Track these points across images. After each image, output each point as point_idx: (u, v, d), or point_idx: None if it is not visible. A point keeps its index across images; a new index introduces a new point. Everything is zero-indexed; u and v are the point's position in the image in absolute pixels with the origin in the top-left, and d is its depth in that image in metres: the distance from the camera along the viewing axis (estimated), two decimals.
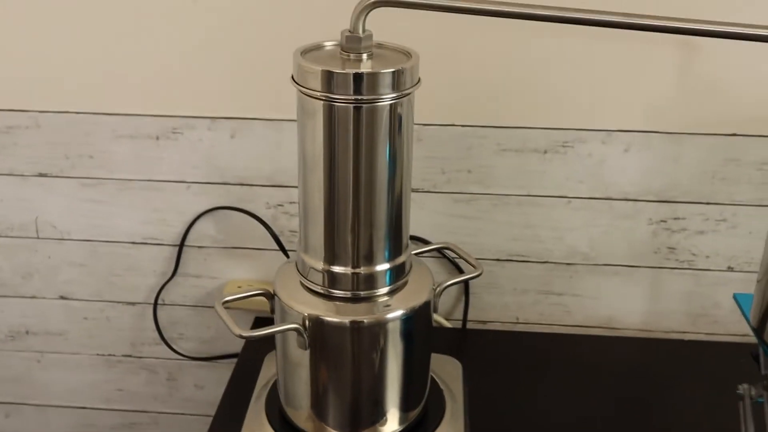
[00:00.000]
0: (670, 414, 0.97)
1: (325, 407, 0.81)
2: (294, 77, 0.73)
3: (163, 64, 1.02)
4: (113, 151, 1.07)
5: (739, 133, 1.00)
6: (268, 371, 0.94)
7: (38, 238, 1.14)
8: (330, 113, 0.71)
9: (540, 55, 0.98)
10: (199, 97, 1.04)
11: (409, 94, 0.73)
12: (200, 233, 1.12)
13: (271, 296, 0.81)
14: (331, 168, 0.73)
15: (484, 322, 1.14)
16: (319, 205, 0.75)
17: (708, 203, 1.05)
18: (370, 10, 0.71)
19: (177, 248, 1.12)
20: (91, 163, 1.08)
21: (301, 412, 0.83)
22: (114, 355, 1.22)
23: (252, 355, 1.01)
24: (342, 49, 0.73)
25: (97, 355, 1.22)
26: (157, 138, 1.06)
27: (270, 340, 0.82)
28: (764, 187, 1.03)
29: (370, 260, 0.77)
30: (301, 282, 0.79)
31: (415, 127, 1.01)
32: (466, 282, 1.10)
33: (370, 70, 0.70)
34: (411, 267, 0.81)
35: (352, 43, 0.72)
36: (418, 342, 0.81)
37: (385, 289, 0.78)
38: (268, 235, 1.09)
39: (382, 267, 0.77)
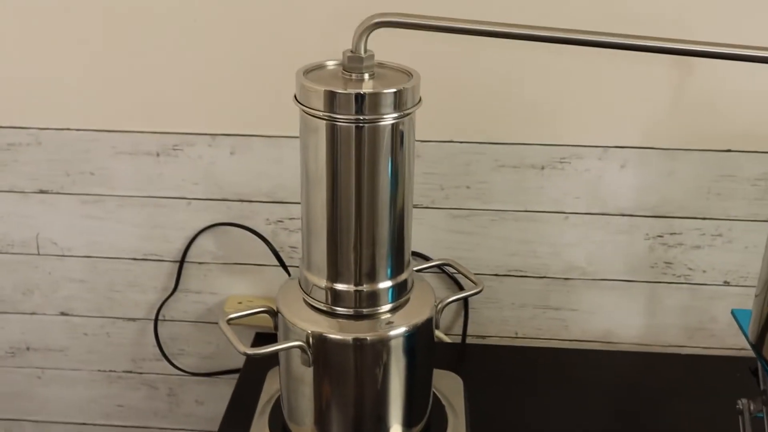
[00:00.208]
0: (668, 428, 0.97)
1: (328, 423, 0.82)
2: (297, 97, 0.74)
3: (164, 81, 1.02)
4: (114, 168, 1.08)
5: (733, 149, 1.02)
6: (270, 387, 0.95)
7: (39, 254, 1.14)
8: (332, 132, 0.72)
9: (538, 72, 0.99)
10: (199, 114, 1.04)
11: (410, 113, 0.74)
12: (201, 249, 1.12)
13: (274, 313, 0.82)
14: (334, 187, 0.74)
15: (484, 337, 1.15)
16: (321, 223, 0.76)
17: (704, 218, 1.06)
18: (372, 31, 0.72)
19: (177, 264, 1.13)
20: (92, 180, 1.09)
21: (304, 429, 0.84)
22: (114, 371, 1.22)
23: (254, 371, 1.02)
24: (344, 69, 0.74)
25: (98, 371, 1.22)
26: (158, 155, 1.07)
27: (272, 356, 0.83)
28: (759, 202, 1.04)
29: (373, 278, 0.78)
30: (304, 299, 0.80)
31: (414, 143, 1.02)
32: (471, 296, 1.11)
33: (371, 90, 0.71)
34: (413, 284, 0.82)
35: (354, 63, 0.73)
36: (421, 358, 0.82)
37: (387, 307, 0.79)
38: (268, 250, 1.10)
39: (385, 284, 0.78)
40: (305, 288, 0.80)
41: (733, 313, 0.83)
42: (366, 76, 0.73)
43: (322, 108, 0.71)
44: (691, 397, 1.02)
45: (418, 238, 1.08)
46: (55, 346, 1.21)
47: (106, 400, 1.25)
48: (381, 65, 0.77)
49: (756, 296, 0.76)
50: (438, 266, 1.01)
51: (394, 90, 0.71)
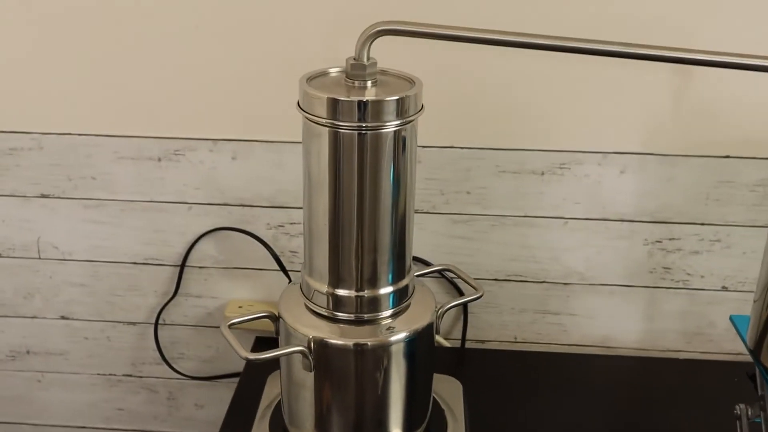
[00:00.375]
0: None
1: (329, 428, 0.82)
2: (300, 103, 0.75)
3: (165, 86, 1.03)
4: (115, 173, 1.09)
5: (732, 155, 1.02)
6: (271, 391, 0.95)
7: (40, 258, 1.15)
8: (335, 139, 0.73)
9: (538, 78, 1.00)
10: (200, 119, 1.05)
11: (412, 120, 0.74)
12: (201, 253, 1.13)
13: (275, 318, 0.82)
14: (336, 193, 0.74)
15: (483, 342, 1.16)
16: (323, 229, 0.76)
17: (702, 224, 1.07)
18: (375, 39, 0.72)
19: (178, 268, 1.13)
20: (93, 185, 1.09)
21: None
22: (114, 375, 1.23)
23: (254, 375, 1.02)
24: (347, 77, 0.74)
25: (98, 374, 1.23)
26: (159, 159, 1.07)
27: (272, 360, 0.83)
28: (757, 208, 1.05)
29: (374, 283, 0.78)
30: (305, 304, 0.81)
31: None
32: (471, 301, 1.11)
33: (374, 97, 0.72)
34: (414, 289, 0.83)
35: (357, 70, 0.73)
36: (421, 363, 0.83)
37: (388, 312, 0.80)
38: (269, 255, 1.10)
39: (386, 290, 0.79)
40: (307, 293, 0.81)
41: (731, 318, 0.83)
42: (369, 83, 0.74)
43: (325, 115, 0.72)
44: (690, 402, 1.03)
45: (418, 243, 1.08)
46: (56, 350, 1.21)
47: (106, 403, 1.25)
48: (384, 72, 0.77)
49: (754, 302, 0.76)
50: (438, 271, 1.01)
51: (397, 98, 0.72)
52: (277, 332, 0.82)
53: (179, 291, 1.15)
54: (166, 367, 1.19)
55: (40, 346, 1.21)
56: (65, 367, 1.22)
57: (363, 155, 0.73)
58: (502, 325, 1.14)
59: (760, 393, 0.78)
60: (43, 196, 1.10)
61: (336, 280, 0.78)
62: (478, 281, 0.97)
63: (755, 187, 1.04)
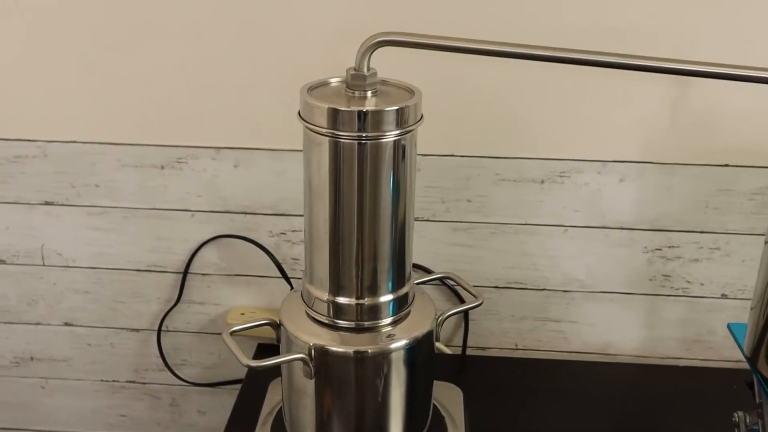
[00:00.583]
0: None
1: None
2: (300, 113, 0.75)
3: (169, 95, 1.04)
4: (119, 180, 1.09)
5: (731, 163, 1.03)
6: (272, 398, 0.96)
7: (44, 265, 1.15)
8: (335, 149, 0.74)
9: (537, 87, 1.01)
10: (203, 127, 1.06)
11: (412, 130, 0.75)
12: (204, 261, 1.13)
13: (277, 326, 0.83)
14: (336, 202, 0.75)
15: (484, 349, 1.16)
16: (324, 238, 0.77)
17: (702, 232, 1.07)
18: (375, 50, 0.73)
19: (181, 276, 1.14)
20: (97, 192, 1.10)
21: None
22: (118, 381, 1.23)
23: (256, 382, 1.03)
24: (347, 87, 0.75)
25: (101, 381, 1.24)
26: (162, 167, 1.08)
27: (274, 367, 0.84)
28: (756, 216, 1.05)
29: (374, 291, 0.79)
30: (306, 312, 0.81)
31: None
32: (470, 309, 1.12)
33: (374, 107, 0.73)
34: (414, 297, 0.83)
35: (357, 80, 0.74)
36: (421, 370, 0.83)
37: (388, 320, 0.80)
38: (271, 262, 1.11)
39: (386, 298, 0.79)
40: (307, 301, 0.81)
41: (729, 326, 0.84)
42: (369, 93, 0.75)
43: (325, 125, 0.73)
44: (689, 409, 1.03)
45: (419, 251, 1.09)
46: (59, 357, 1.22)
47: (110, 410, 1.26)
48: (384, 82, 0.78)
49: (751, 309, 0.77)
50: (438, 279, 1.02)
51: (396, 108, 0.73)
52: (278, 339, 0.83)
53: (182, 298, 1.15)
54: (169, 373, 1.20)
55: (43, 353, 1.22)
56: (69, 374, 1.23)
57: (363, 164, 0.74)
58: (503, 332, 1.15)
59: (758, 400, 0.79)
60: (47, 203, 1.11)
61: (336, 288, 0.79)
62: (478, 289, 0.98)
63: (754, 196, 1.04)
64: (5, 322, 1.20)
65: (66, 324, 1.19)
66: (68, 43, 1.02)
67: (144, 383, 1.23)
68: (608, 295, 1.11)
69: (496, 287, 1.12)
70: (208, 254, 1.13)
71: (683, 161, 1.04)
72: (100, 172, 1.09)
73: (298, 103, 0.76)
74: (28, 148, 1.08)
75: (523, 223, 1.08)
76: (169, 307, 1.16)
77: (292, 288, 1.10)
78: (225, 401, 1.19)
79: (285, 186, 1.08)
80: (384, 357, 0.79)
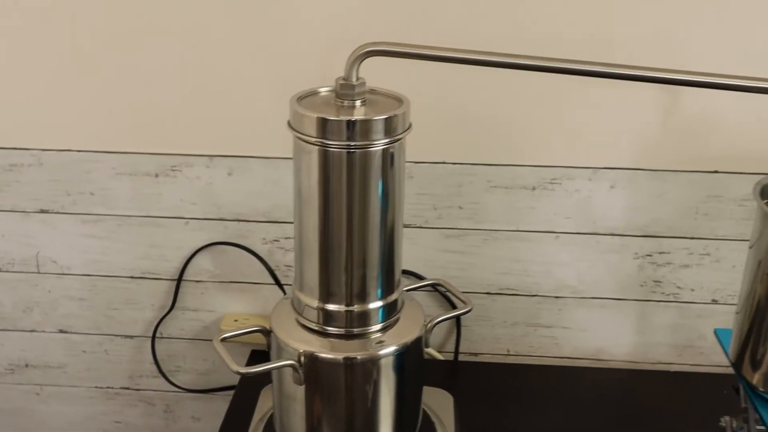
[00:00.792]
0: None
1: None
2: (290, 122, 0.76)
3: (163, 103, 1.05)
4: (113, 188, 1.10)
5: (720, 170, 1.04)
6: (264, 405, 0.96)
7: (39, 273, 1.16)
8: (324, 157, 0.74)
9: (528, 95, 1.02)
10: (197, 135, 1.07)
11: (400, 139, 0.76)
12: (198, 268, 1.14)
13: (267, 333, 0.83)
14: (326, 210, 0.76)
15: (476, 354, 1.17)
16: (313, 245, 0.78)
17: (692, 238, 1.08)
18: (363, 59, 0.74)
19: (175, 282, 1.15)
20: (92, 200, 1.11)
21: None
22: (112, 388, 1.24)
23: (248, 389, 1.03)
24: (336, 96, 0.76)
25: (96, 387, 1.24)
26: (156, 175, 1.09)
27: (266, 374, 0.85)
28: (746, 222, 1.06)
29: (364, 298, 0.80)
30: (296, 319, 0.82)
31: (408, 164, 1.03)
32: (460, 315, 1.13)
33: (363, 117, 0.73)
34: (403, 304, 0.84)
35: (346, 90, 0.75)
36: (410, 376, 0.84)
37: (378, 326, 0.81)
38: (265, 269, 1.12)
39: (375, 305, 0.80)
40: (297, 308, 0.82)
41: (716, 332, 0.85)
42: (358, 102, 0.75)
43: (314, 134, 0.74)
44: (680, 414, 1.04)
45: (411, 258, 1.10)
46: (54, 363, 1.22)
47: (104, 416, 1.26)
48: (373, 91, 0.79)
49: (736, 314, 0.78)
50: (430, 286, 1.03)
51: (385, 117, 0.74)
52: (269, 346, 0.84)
53: (176, 305, 1.16)
54: (163, 380, 1.21)
55: (38, 360, 1.22)
56: (63, 380, 1.24)
57: (352, 173, 0.74)
58: (495, 338, 1.16)
59: (743, 405, 0.80)
60: (43, 211, 1.12)
61: (326, 295, 0.79)
62: (468, 295, 0.98)
63: (743, 202, 1.05)
64: (0, 329, 1.21)
65: (61, 331, 1.20)
66: (63, 51, 1.03)
67: (138, 390, 1.24)
68: (600, 301, 1.12)
69: (488, 293, 1.13)
70: (202, 261, 1.14)
71: (673, 168, 1.04)
72: (95, 180, 1.10)
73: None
74: (23, 156, 1.09)
75: (515, 229, 1.09)
76: (163, 314, 1.17)
77: (285, 294, 1.11)
78: (219, 407, 1.19)
79: (278, 193, 1.09)
80: (373, 363, 0.80)
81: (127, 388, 1.24)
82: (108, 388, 1.24)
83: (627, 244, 1.09)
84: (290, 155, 0.79)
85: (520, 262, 1.10)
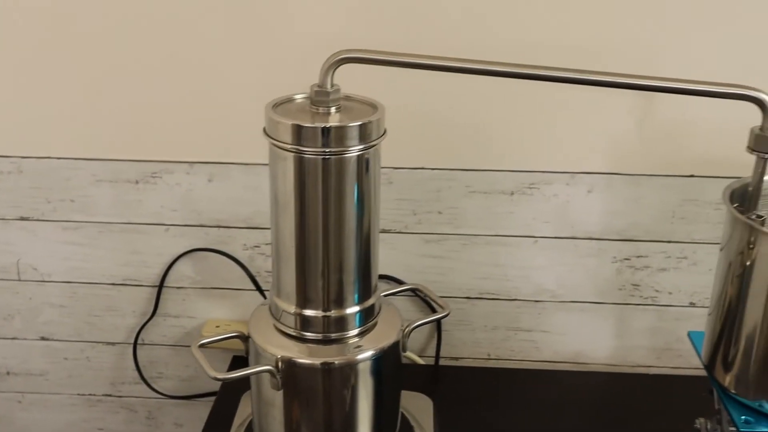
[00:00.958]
0: None
1: None
2: (266, 129, 0.77)
3: (143, 110, 1.05)
4: (93, 195, 1.10)
5: (696, 174, 1.05)
6: (244, 411, 0.97)
7: (20, 280, 1.16)
8: (300, 164, 0.75)
9: (506, 101, 1.02)
10: (177, 142, 1.07)
11: (375, 145, 0.76)
12: (179, 274, 1.14)
13: (245, 338, 0.84)
14: (302, 216, 0.77)
15: (457, 359, 1.17)
16: (290, 251, 0.78)
17: (669, 242, 1.09)
18: (337, 67, 0.75)
19: (156, 289, 1.15)
20: (72, 207, 1.11)
21: None
22: (94, 395, 1.24)
23: (229, 395, 1.04)
24: (311, 103, 0.77)
25: (78, 394, 1.24)
26: (137, 182, 1.09)
27: (247, 379, 0.85)
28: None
29: (341, 303, 0.80)
30: (274, 325, 0.82)
31: (387, 170, 1.05)
32: (437, 320, 1.13)
33: (337, 123, 0.74)
34: (380, 308, 0.85)
35: (321, 97, 0.76)
36: (388, 381, 0.84)
37: (355, 331, 0.81)
38: (245, 275, 1.12)
39: (352, 310, 0.81)
40: (275, 314, 0.82)
41: (689, 335, 0.85)
42: (332, 109, 0.76)
43: (289, 141, 0.74)
44: (658, 416, 1.05)
45: (391, 263, 1.10)
46: (36, 371, 1.22)
47: (86, 423, 1.26)
48: (348, 98, 0.80)
49: (708, 316, 0.78)
50: (408, 291, 1.03)
51: (359, 123, 0.74)
52: (247, 352, 0.84)
53: (157, 311, 1.16)
54: (145, 386, 1.21)
55: (20, 367, 1.22)
56: (45, 388, 1.24)
57: (327, 179, 0.75)
58: (475, 342, 1.16)
59: (716, 407, 0.80)
60: (23, 218, 1.12)
61: (303, 301, 0.80)
62: (448, 299, 0.99)
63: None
64: None
65: (42, 338, 1.20)
66: (42, 60, 1.03)
67: (120, 396, 1.24)
68: (579, 305, 1.13)
69: (468, 298, 1.13)
70: (183, 268, 1.14)
71: (650, 172, 1.05)
72: (75, 187, 1.10)
73: None
74: (3, 164, 1.09)
75: (494, 234, 1.10)
76: (144, 321, 1.17)
77: (265, 300, 1.11)
78: (201, 413, 1.19)
79: (259, 200, 1.09)
80: (351, 368, 0.80)
81: (109, 395, 1.24)
82: (90, 395, 1.24)
83: (605, 248, 1.10)
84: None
85: (500, 266, 1.11)
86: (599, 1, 0.97)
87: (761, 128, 0.72)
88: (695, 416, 0.89)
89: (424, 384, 1.10)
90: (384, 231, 1.09)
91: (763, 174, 0.74)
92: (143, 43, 1.02)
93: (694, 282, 1.11)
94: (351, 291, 0.80)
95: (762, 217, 0.76)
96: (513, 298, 1.13)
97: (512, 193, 1.07)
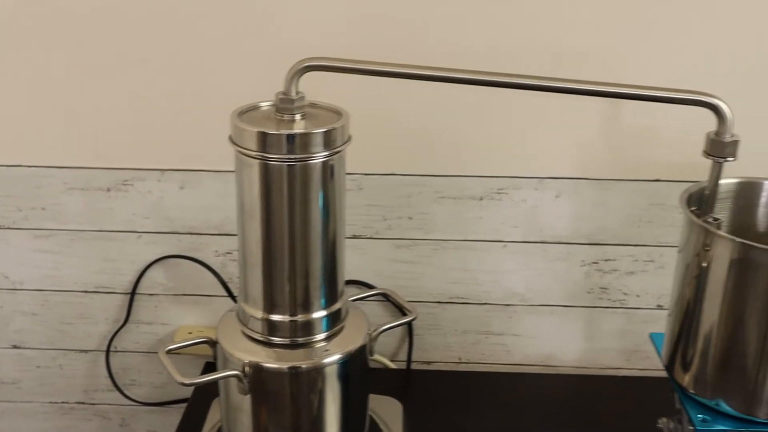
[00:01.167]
0: None
1: None
2: (231, 137, 0.78)
3: (113, 118, 1.06)
4: (65, 203, 1.11)
5: (662, 178, 1.07)
6: (214, 416, 0.97)
7: None
8: (265, 171, 0.76)
9: (475, 107, 1.04)
10: (148, 150, 1.07)
11: (340, 151, 0.77)
12: (151, 281, 1.15)
13: (213, 344, 0.84)
14: (268, 222, 0.77)
15: (429, 363, 1.18)
16: (257, 257, 0.79)
17: (636, 245, 1.10)
18: (302, 74, 0.76)
19: (129, 296, 1.15)
20: (44, 215, 1.11)
21: None
22: (67, 403, 1.24)
23: (201, 401, 1.04)
24: (277, 110, 0.78)
25: (50, 402, 1.24)
26: (108, 190, 1.10)
27: (213, 384, 0.85)
28: None
29: (308, 308, 0.81)
30: (242, 330, 0.83)
31: (357, 176, 1.06)
32: (409, 324, 1.14)
33: (302, 130, 0.75)
34: (347, 313, 0.85)
35: (286, 104, 0.77)
36: (355, 384, 0.85)
37: (322, 335, 0.82)
38: (218, 282, 1.13)
39: (319, 314, 0.82)
40: (243, 319, 0.83)
41: (650, 336, 0.87)
42: (297, 116, 0.77)
43: (255, 148, 0.75)
44: (628, 417, 1.05)
45: (362, 268, 1.11)
46: (8, 379, 1.22)
47: (59, 431, 1.26)
48: (313, 105, 0.80)
49: (668, 317, 0.80)
50: (376, 295, 1.04)
51: (324, 130, 0.75)
52: (215, 357, 0.85)
53: (130, 318, 1.16)
54: (118, 393, 1.21)
55: None
56: (18, 396, 1.23)
57: (293, 185, 0.76)
58: (447, 346, 1.17)
59: (678, 407, 0.82)
60: None
61: (270, 306, 0.81)
62: (419, 304, 1.00)
63: None
64: None
65: (14, 346, 1.20)
66: (12, 67, 1.03)
67: (93, 404, 1.24)
68: (548, 308, 1.14)
69: (438, 302, 1.14)
70: (155, 275, 1.14)
71: (616, 177, 1.07)
72: (47, 195, 1.10)
73: None
74: None
75: (464, 239, 1.11)
76: (117, 328, 1.17)
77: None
78: (174, 420, 1.18)
79: (230, 206, 1.07)
80: (318, 372, 0.81)
81: (82, 403, 1.24)
82: (63, 403, 1.24)
83: (573, 252, 1.11)
84: None
85: (470, 271, 1.12)
86: (566, 10, 0.98)
87: (716, 133, 0.74)
88: (662, 416, 0.90)
89: (396, 388, 1.10)
90: (355, 237, 1.10)
91: (718, 178, 0.75)
92: (113, 52, 1.02)
93: (661, 285, 1.12)
94: (317, 296, 0.81)
95: (719, 220, 0.78)
96: (483, 302, 1.14)
97: (481, 199, 1.08)
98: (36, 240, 1.13)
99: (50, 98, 1.05)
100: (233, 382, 0.81)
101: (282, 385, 0.81)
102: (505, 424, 1.05)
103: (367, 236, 1.11)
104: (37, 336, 1.19)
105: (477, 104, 1.04)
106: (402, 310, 1.13)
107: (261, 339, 0.82)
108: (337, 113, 0.79)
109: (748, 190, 0.82)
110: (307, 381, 0.81)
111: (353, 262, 1.10)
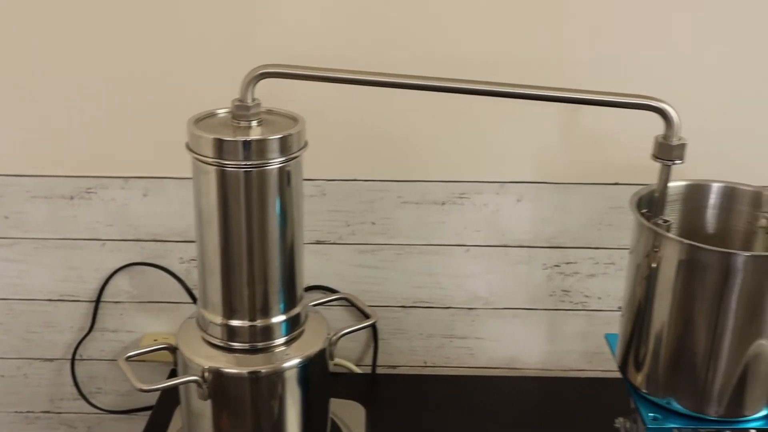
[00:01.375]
0: None
1: None
2: (188, 144, 0.78)
3: (75, 126, 1.06)
4: (28, 212, 1.11)
5: (621, 182, 1.08)
6: (177, 423, 0.97)
7: None
8: (222, 177, 0.77)
9: (435, 113, 1.05)
10: (111, 158, 1.08)
11: (296, 157, 0.78)
12: (116, 289, 1.15)
13: (174, 350, 0.85)
14: (225, 228, 0.78)
15: (394, 367, 1.19)
16: (215, 263, 0.80)
17: (597, 248, 1.12)
18: (257, 81, 0.77)
19: (93, 304, 1.15)
20: (6, 224, 1.11)
21: None
22: (32, 412, 1.23)
23: (166, 408, 1.04)
24: (233, 117, 0.78)
25: (16, 412, 1.23)
26: (72, 198, 1.10)
27: (173, 390, 0.86)
28: None
29: (266, 313, 0.82)
30: (202, 336, 0.84)
31: (320, 182, 1.07)
32: (373, 328, 1.15)
33: (258, 137, 0.76)
34: (307, 317, 0.86)
35: (242, 111, 0.78)
36: (315, 388, 0.86)
37: (282, 340, 0.83)
38: (183, 289, 1.13)
39: (278, 319, 0.82)
40: (203, 325, 0.84)
41: (606, 337, 0.88)
42: (254, 123, 0.78)
43: (211, 155, 0.76)
44: (592, 418, 1.06)
45: (326, 273, 1.12)
46: None
47: None
48: (270, 112, 0.81)
49: (621, 317, 0.81)
50: (339, 300, 1.05)
51: (280, 136, 0.76)
52: (176, 363, 0.85)
53: (95, 326, 1.16)
54: (84, 402, 1.21)
55: None
56: None
57: (249, 191, 0.77)
58: (412, 350, 1.18)
59: (632, 407, 0.83)
60: None
61: (229, 312, 0.81)
62: (384, 308, 1.00)
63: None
64: None
65: None
66: None
67: (59, 413, 1.23)
68: (511, 311, 1.16)
69: (402, 307, 1.15)
70: (120, 282, 1.14)
71: (576, 181, 1.08)
72: (9, 203, 1.10)
73: None
74: None
75: (427, 243, 1.12)
76: (82, 336, 1.17)
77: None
78: (140, 428, 1.18)
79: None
80: (278, 376, 0.82)
81: (48, 412, 1.23)
82: (28, 412, 1.23)
83: (535, 256, 1.12)
84: None
85: (433, 275, 1.13)
86: (526, 19, 1.00)
87: (664, 137, 0.76)
88: (620, 416, 0.91)
89: (361, 392, 1.11)
90: (318, 242, 1.11)
91: (667, 180, 0.77)
92: (74, 59, 1.02)
93: (621, 287, 1.10)
94: (276, 300, 0.82)
95: (668, 222, 0.79)
96: (447, 306, 1.15)
97: (443, 203, 1.09)
98: None
99: (10, 106, 1.05)
100: (193, 387, 0.81)
101: (242, 390, 0.82)
102: (469, 427, 1.06)
103: (331, 242, 1.11)
104: (2, 345, 1.18)
105: (438, 110, 1.05)
106: (366, 314, 1.14)
107: (221, 344, 0.82)
108: (294, 119, 0.80)
109: (696, 193, 0.84)
110: (267, 385, 0.82)
111: (317, 268, 1.11)
